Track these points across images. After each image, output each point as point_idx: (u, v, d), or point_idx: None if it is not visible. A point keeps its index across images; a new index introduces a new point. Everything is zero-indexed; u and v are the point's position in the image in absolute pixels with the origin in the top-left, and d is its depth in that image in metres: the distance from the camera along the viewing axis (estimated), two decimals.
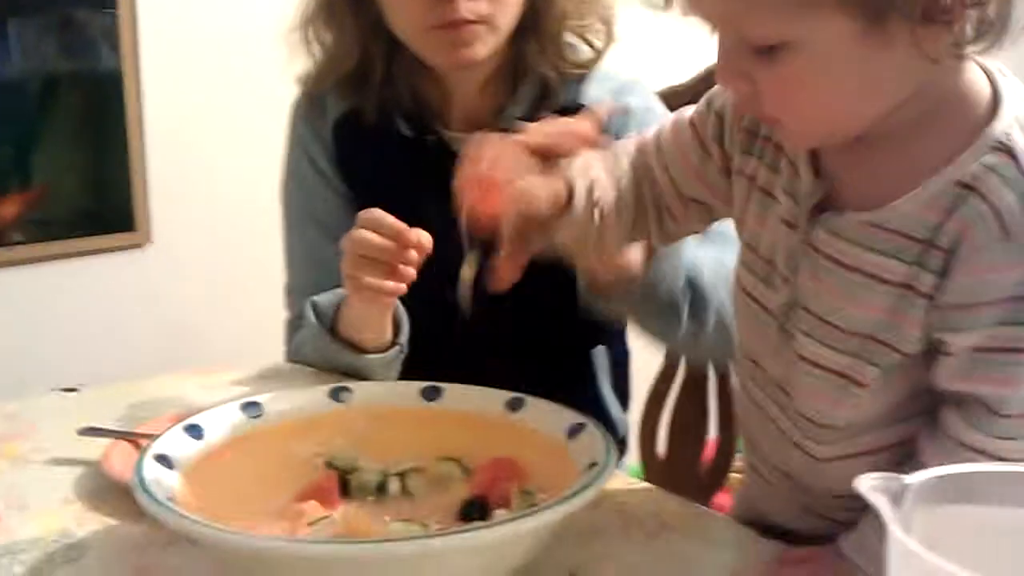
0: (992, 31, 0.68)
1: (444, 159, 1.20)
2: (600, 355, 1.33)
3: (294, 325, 1.27)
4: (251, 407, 0.87)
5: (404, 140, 1.24)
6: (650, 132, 0.94)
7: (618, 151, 0.92)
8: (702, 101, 0.91)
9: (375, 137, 1.24)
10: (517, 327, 1.23)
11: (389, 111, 1.24)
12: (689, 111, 0.92)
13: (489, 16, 1.15)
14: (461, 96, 1.24)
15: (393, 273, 1.05)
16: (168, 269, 1.98)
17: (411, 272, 1.05)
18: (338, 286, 1.16)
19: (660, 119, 1.20)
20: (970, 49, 0.69)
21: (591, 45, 1.24)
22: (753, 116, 0.83)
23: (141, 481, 0.72)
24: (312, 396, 0.90)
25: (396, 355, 1.16)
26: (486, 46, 1.16)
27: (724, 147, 0.88)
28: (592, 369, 1.32)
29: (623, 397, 1.38)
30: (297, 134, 1.29)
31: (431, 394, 0.90)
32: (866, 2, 0.66)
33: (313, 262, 1.26)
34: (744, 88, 0.74)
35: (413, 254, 1.04)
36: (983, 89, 0.73)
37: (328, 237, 1.23)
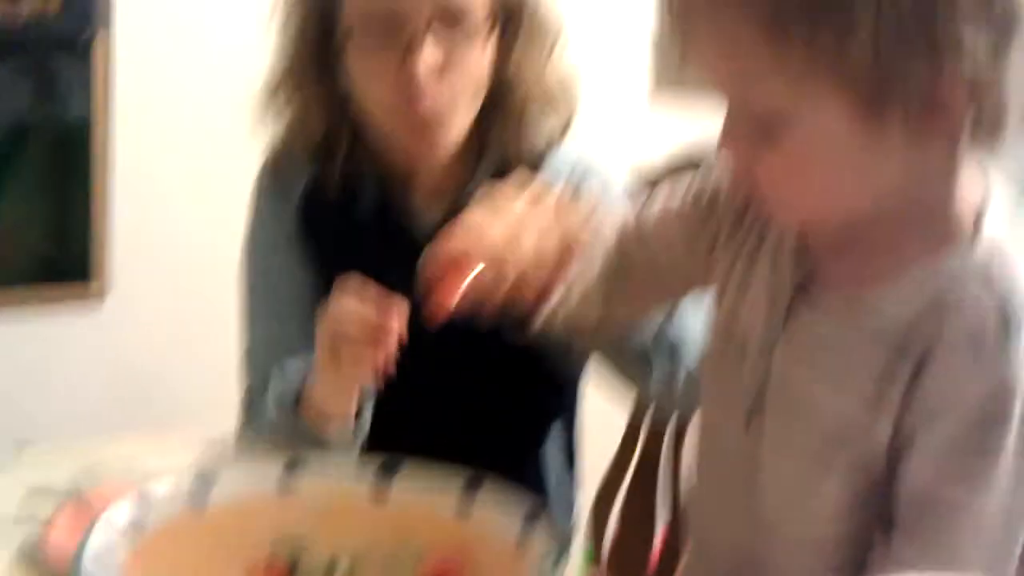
0: (985, 131, 0.71)
1: (409, 230, 1.24)
2: (554, 432, 1.34)
3: (252, 392, 1.27)
4: (200, 485, 0.86)
5: (369, 210, 1.26)
6: (629, 217, 0.96)
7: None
8: (691, 185, 0.94)
9: (340, 207, 1.26)
10: (471, 402, 1.24)
11: (354, 181, 1.26)
12: (675, 200, 0.94)
13: (451, 99, 1.17)
14: (426, 170, 1.26)
15: (375, 345, 1.03)
16: (125, 321, 1.97)
17: (391, 347, 1.03)
18: (300, 354, 1.17)
19: (617, 196, 1.25)
20: (963, 146, 0.72)
21: (553, 127, 1.27)
22: (745, 191, 0.85)
23: (81, 566, 0.71)
24: (264, 474, 0.90)
25: (361, 429, 1.16)
26: (449, 126, 1.19)
27: (711, 226, 0.91)
28: (544, 447, 1.34)
29: (574, 476, 1.39)
30: (262, 201, 1.30)
31: (385, 475, 0.90)
32: (866, 87, 0.69)
33: (276, 329, 1.26)
34: (742, 153, 0.76)
35: (395, 325, 1.02)
36: (971, 194, 0.76)
37: (293, 305, 1.24)
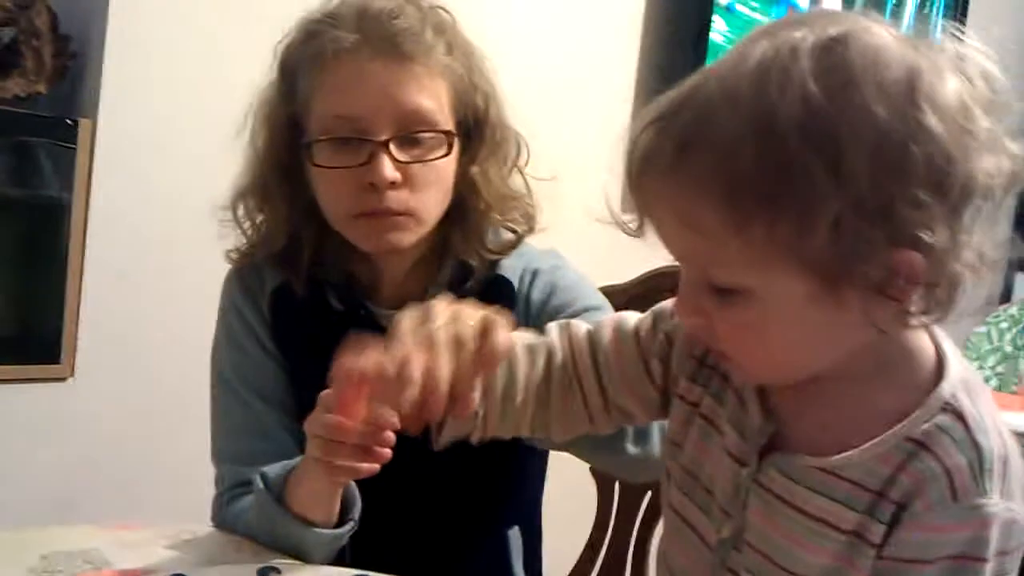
0: (939, 308, 0.73)
1: (374, 333, 1.25)
2: (514, 536, 1.34)
3: (227, 495, 1.26)
4: None
5: (336, 314, 1.27)
6: (580, 331, 0.96)
7: (539, 344, 0.95)
8: (648, 315, 0.94)
9: (308, 309, 1.27)
10: (432, 506, 1.24)
11: (321, 285, 1.28)
12: (631, 320, 0.94)
13: (414, 209, 1.20)
14: (390, 275, 1.28)
15: (367, 454, 1.01)
16: (89, 405, 1.95)
17: (387, 453, 1.01)
18: (277, 455, 1.17)
19: (568, 277, 1.27)
20: (917, 321, 0.73)
21: (514, 231, 1.30)
22: (703, 347, 0.86)
23: None
24: (238, 574, 0.89)
25: (349, 531, 1.14)
26: (411, 236, 1.21)
27: (669, 368, 0.91)
28: (507, 549, 1.34)
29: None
30: (233, 302, 1.31)
31: None
32: (823, 269, 0.70)
33: (252, 430, 1.26)
34: (700, 323, 0.78)
35: (389, 435, 1.00)
36: (928, 347, 0.78)
37: (268, 404, 1.25)
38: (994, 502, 0.73)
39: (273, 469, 1.17)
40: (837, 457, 0.77)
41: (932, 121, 0.69)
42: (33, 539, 1.15)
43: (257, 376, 1.28)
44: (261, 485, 1.15)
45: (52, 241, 1.89)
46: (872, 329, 0.73)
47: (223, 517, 1.26)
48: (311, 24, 1.22)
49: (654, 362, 0.92)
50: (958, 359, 0.78)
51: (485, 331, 0.88)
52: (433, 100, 1.19)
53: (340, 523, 1.13)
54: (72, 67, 1.91)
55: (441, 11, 1.24)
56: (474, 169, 1.24)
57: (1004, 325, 3.33)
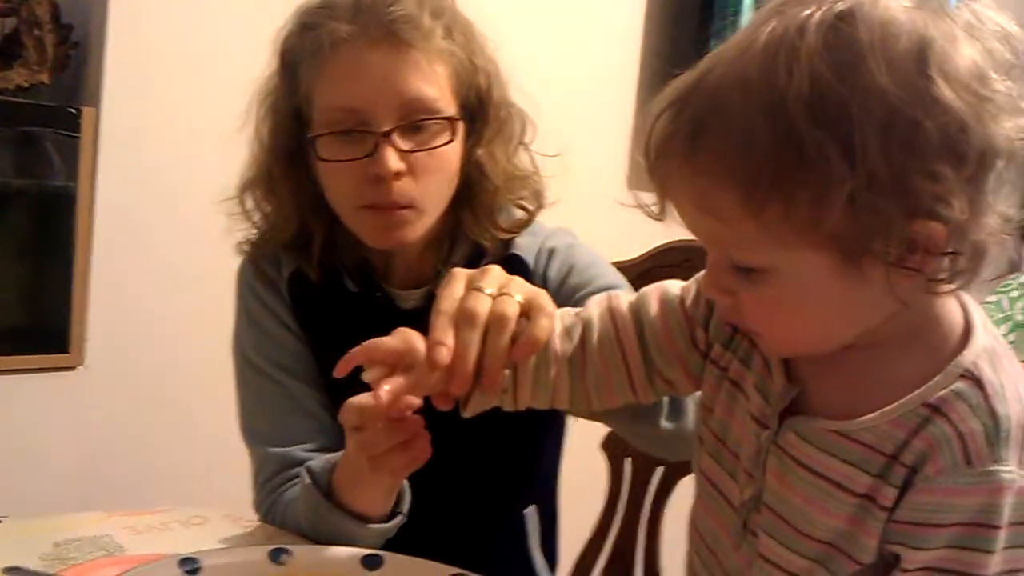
0: (963, 276, 0.73)
1: (392, 313, 1.25)
2: (531, 515, 1.35)
3: (274, 483, 1.23)
4: (188, 564, 0.86)
5: (352, 296, 1.27)
6: (623, 303, 0.95)
7: (575, 320, 0.95)
8: (692, 283, 0.94)
9: (326, 292, 1.27)
10: (449, 487, 1.24)
11: (335, 269, 1.27)
12: (675, 289, 0.94)
13: (419, 201, 1.19)
14: (403, 258, 1.28)
15: (414, 455, 1.02)
16: (98, 393, 1.96)
17: (428, 448, 1.02)
18: (319, 431, 1.19)
19: (585, 256, 1.27)
20: (941, 289, 0.73)
21: (524, 209, 1.29)
22: (731, 323, 0.86)
23: None
24: (249, 557, 0.90)
25: (399, 523, 1.13)
26: (416, 230, 1.21)
27: (708, 333, 0.91)
28: (524, 529, 1.34)
29: (552, 558, 1.39)
30: (251, 288, 1.30)
31: (371, 563, 0.90)
32: (843, 245, 0.70)
33: (290, 408, 1.25)
34: (727, 301, 0.78)
35: (417, 418, 1.00)
36: (956, 316, 0.78)
37: (302, 382, 1.25)
38: (1008, 469, 0.72)
39: (318, 463, 1.15)
40: (854, 421, 0.77)
41: (944, 92, 0.68)
42: (45, 526, 1.15)
43: (285, 355, 1.27)
44: (308, 480, 1.13)
45: (58, 231, 1.89)
46: (895, 303, 0.73)
47: (270, 509, 1.23)
48: (307, 15, 1.20)
49: (699, 330, 0.92)
50: (986, 328, 0.78)
51: (528, 313, 0.89)
52: (434, 86, 1.18)
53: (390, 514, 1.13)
54: (74, 56, 1.91)
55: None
56: (480, 151, 1.24)
57: (1015, 294, 3.32)
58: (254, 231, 1.30)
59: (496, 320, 0.88)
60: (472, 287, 0.90)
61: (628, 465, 1.52)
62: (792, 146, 0.68)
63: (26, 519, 1.20)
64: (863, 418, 0.77)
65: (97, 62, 1.90)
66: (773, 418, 0.82)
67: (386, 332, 1.23)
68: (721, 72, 0.72)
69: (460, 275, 0.92)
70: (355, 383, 1.21)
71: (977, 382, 0.74)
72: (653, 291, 0.95)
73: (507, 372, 0.90)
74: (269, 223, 1.28)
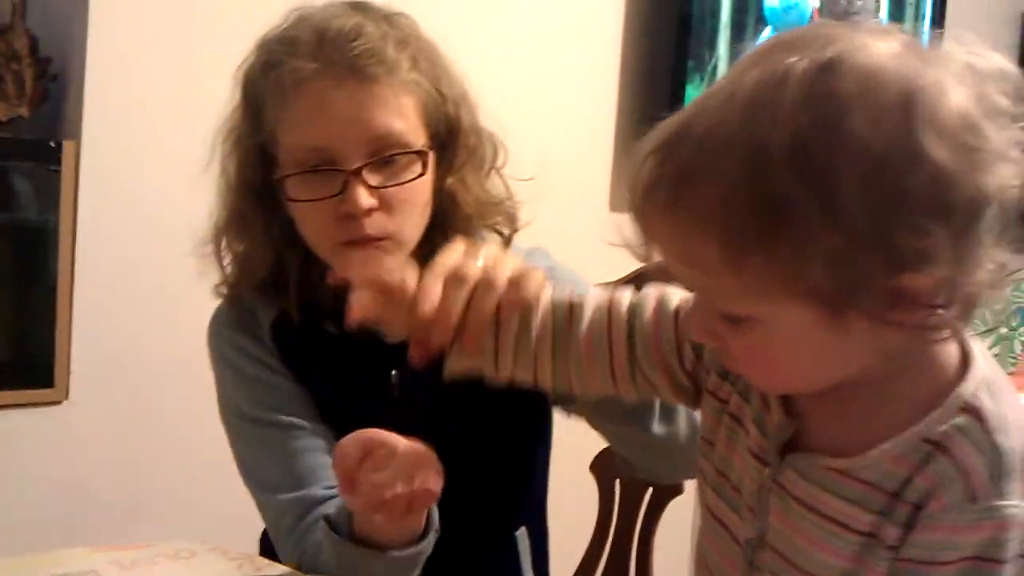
0: (953, 325, 0.72)
1: (377, 350, 1.24)
2: (522, 537, 1.34)
3: (300, 528, 1.19)
4: None
5: (335, 337, 1.25)
6: (623, 297, 0.95)
7: (571, 299, 0.95)
8: (688, 298, 0.93)
9: (308, 336, 1.25)
10: (444, 511, 1.23)
11: (313, 310, 1.25)
12: (675, 299, 0.93)
13: (394, 233, 1.18)
14: None
15: (422, 502, 1.02)
16: (84, 428, 1.94)
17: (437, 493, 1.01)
18: (318, 475, 1.18)
19: (565, 276, 1.25)
20: (929, 339, 0.73)
21: (499, 233, 1.29)
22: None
23: None
24: None
25: (433, 541, 1.12)
26: (397, 261, 1.19)
27: (701, 358, 0.90)
28: (516, 550, 1.33)
29: None
30: (232, 343, 1.27)
31: None
32: (825, 298, 0.69)
33: (303, 449, 1.22)
34: (713, 343, 0.78)
35: (436, 485, 1.00)
36: (952, 348, 0.76)
37: (305, 420, 1.23)
38: (1013, 503, 0.72)
39: (334, 510, 1.14)
40: (855, 459, 0.76)
41: (931, 144, 0.67)
42: (30, 564, 1.14)
43: (282, 399, 1.24)
44: (332, 534, 1.11)
45: (41, 265, 1.88)
46: (883, 350, 0.73)
47: (302, 557, 1.18)
48: (269, 52, 1.19)
49: (687, 346, 0.91)
50: (984, 359, 0.77)
51: (518, 280, 0.91)
52: (402, 119, 1.17)
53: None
54: (53, 89, 1.90)
55: (401, 19, 1.22)
56: (451, 179, 1.23)
57: (997, 307, 3.33)
58: (229, 274, 1.28)
59: (484, 281, 0.90)
60: (466, 257, 0.92)
61: (618, 487, 1.51)
62: (771, 201, 0.67)
63: (11, 556, 1.19)
64: (864, 455, 0.76)
65: (77, 95, 1.89)
66: (773, 454, 0.81)
67: (373, 369, 1.24)
68: (705, 121, 0.71)
69: (456, 246, 0.94)
70: (357, 415, 1.21)
71: (977, 414, 0.74)
72: (652, 295, 0.94)
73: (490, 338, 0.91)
74: (242, 264, 1.26)
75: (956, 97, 0.69)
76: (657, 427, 1.09)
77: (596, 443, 1.48)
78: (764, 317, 0.72)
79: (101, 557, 1.17)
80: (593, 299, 0.95)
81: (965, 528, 0.72)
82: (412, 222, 1.20)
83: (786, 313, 0.71)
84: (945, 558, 0.72)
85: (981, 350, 0.77)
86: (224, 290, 1.28)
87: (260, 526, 1.33)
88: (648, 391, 0.95)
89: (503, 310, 0.91)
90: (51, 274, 1.89)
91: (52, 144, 1.87)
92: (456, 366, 0.93)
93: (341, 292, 1.23)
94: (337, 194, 1.15)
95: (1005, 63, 0.71)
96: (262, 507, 1.25)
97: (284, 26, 1.21)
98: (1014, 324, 3.31)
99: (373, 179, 1.15)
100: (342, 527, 1.11)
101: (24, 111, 1.86)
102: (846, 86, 0.68)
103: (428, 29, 1.24)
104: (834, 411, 0.79)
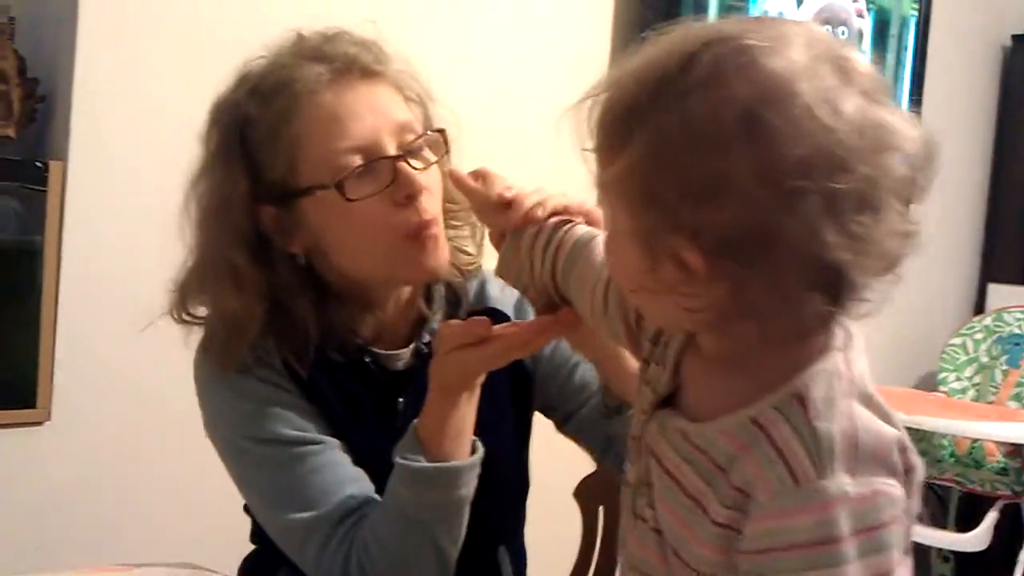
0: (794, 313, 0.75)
1: (386, 377, 1.25)
2: (503, 556, 1.34)
3: (335, 539, 1.16)
4: None
5: (342, 367, 1.24)
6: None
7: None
8: None
9: (317, 368, 1.23)
10: None
11: (321, 346, 1.23)
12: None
13: (437, 216, 1.19)
14: (390, 318, 1.27)
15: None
16: (66, 448, 1.93)
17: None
18: (359, 477, 1.19)
19: None
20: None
21: (466, 253, 1.30)
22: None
23: None
24: None
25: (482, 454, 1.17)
26: (446, 248, 1.21)
27: (643, 330, 0.94)
28: (499, 568, 1.34)
29: None
30: (241, 365, 1.21)
31: None
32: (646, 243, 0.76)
33: (316, 470, 1.18)
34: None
35: None
36: (822, 340, 0.77)
37: (324, 442, 1.20)
38: (835, 482, 0.72)
39: (368, 508, 1.16)
40: (696, 424, 0.79)
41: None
42: None
43: (303, 418, 1.20)
44: (413, 464, 1.13)
45: (24, 285, 1.88)
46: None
47: (347, 558, 1.15)
48: (267, 81, 1.18)
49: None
50: (848, 358, 0.77)
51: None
52: (408, 110, 1.20)
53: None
54: (41, 110, 1.91)
55: (370, 25, 1.23)
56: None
57: (979, 336, 3.36)
58: (213, 338, 1.23)
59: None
60: None
61: (601, 512, 1.51)
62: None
63: None
64: (703, 424, 0.79)
65: (64, 116, 1.90)
66: (649, 407, 0.86)
67: (380, 397, 1.24)
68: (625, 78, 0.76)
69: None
70: (365, 442, 1.21)
71: (802, 400, 0.75)
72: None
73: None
74: (230, 324, 1.19)
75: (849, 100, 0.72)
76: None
77: (580, 469, 1.49)
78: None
79: None
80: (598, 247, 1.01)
81: (794, 512, 0.73)
82: (440, 206, 1.21)
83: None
84: (782, 544, 0.73)
85: (855, 349, 0.78)
86: (212, 356, 1.23)
87: (243, 547, 1.33)
88: (610, 330, 0.99)
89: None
90: (35, 294, 1.88)
91: (39, 164, 1.87)
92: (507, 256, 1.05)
93: (350, 324, 1.24)
94: (390, 184, 1.15)
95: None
96: (284, 529, 1.20)
97: (267, 62, 1.21)
98: (995, 354, 3.33)
99: (414, 163, 1.17)
100: (417, 455, 1.13)
101: (11, 131, 1.86)
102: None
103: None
104: (704, 378, 0.82)
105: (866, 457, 0.73)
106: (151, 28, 1.96)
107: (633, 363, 1.01)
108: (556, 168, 1.61)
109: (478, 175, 1.08)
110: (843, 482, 0.72)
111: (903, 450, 0.76)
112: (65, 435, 1.93)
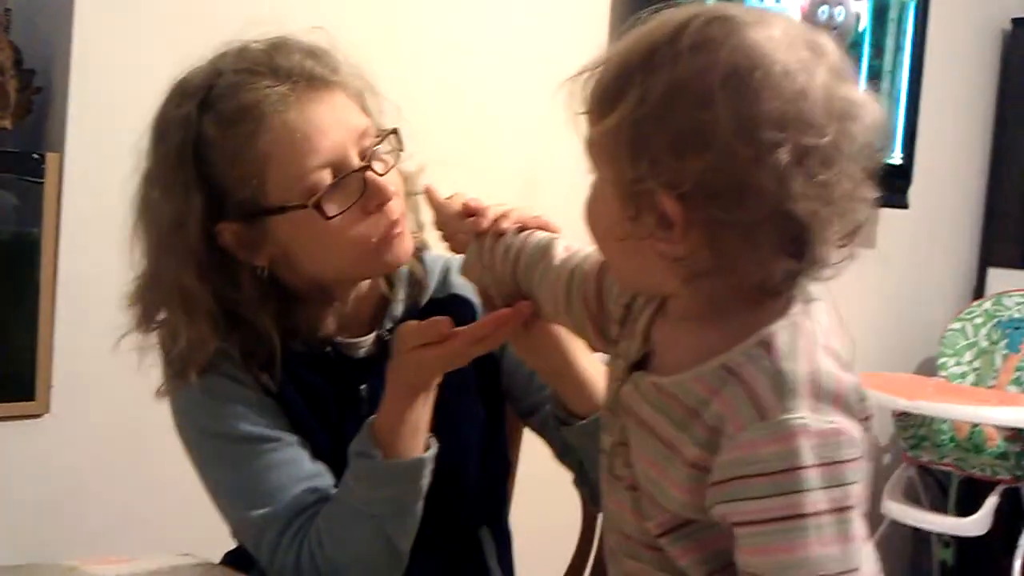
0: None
1: (348, 365, 1.26)
2: (484, 534, 1.35)
3: (290, 533, 1.19)
4: None
5: (303, 357, 1.25)
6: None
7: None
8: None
9: (280, 362, 1.23)
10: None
11: (283, 342, 1.23)
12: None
13: (403, 215, 1.21)
14: (352, 309, 1.28)
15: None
16: (65, 441, 1.93)
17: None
18: (318, 474, 1.20)
19: None
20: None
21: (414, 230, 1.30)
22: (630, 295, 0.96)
23: None
24: None
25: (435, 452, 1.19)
26: (411, 237, 1.23)
27: (603, 304, 1.01)
28: (482, 547, 1.35)
29: (509, 573, 1.39)
30: (204, 379, 1.23)
31: None
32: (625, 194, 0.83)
33: (273, 466, 1.20)
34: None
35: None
36: (785, 301, 0.84)
37: (282, 439, 1.22)
38: (798, 416, 0.78)
39: (325, 504, 1.18)
40: (669, 376, 0.86)
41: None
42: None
43: (261, 414, 1.22)
44: (365, 457, 1.15)
45: (22, 277, 1.88)
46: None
47: (299, 553, 1.18)
48: (226, 102, 1.18)
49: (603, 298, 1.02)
50: (811, 314, 0.84)
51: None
52: (363, 115, 1.21)
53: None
54: (37, 101, 1.90)
55: (319, 32, 1.23)
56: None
57: (978, 320, 3.35)
58: (171, 359, 1.25)
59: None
60: None
61: (600, 519, 1.51)
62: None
63: None
64: (677, 375, 0.85)
65: (61, 107, 1.89)
66: (622, 372, 0.92)
67: (342, 385, 1.24)
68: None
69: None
70: (328, 430, 1.21)
71: (768, 346, 0.81)
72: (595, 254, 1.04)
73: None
74: (187, 346, 1.21)
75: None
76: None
77: None
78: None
79: (85, 571, 1.17)
80: (572, 260, 1.07)
81: (760, 442, 0.79)
82: (403, 202, 1.23)
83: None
84: (748, 472, 0.79)
85: (819, 307, 0.85)
86: (167, 386, 1.26)
87: None
88: (578, 330, 1.07)
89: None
90: (33, 286, 1.88)
91: (35, 156, 1.87)
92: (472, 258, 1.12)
93: (313, 321, 1.24)
94: (362, 194, 1.16)
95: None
96: (241, 524, 1.22)
97: (214, 72, 1.22)
98: (995, 338, 3.33)
99: (376, 167, 1.18)
100: (372, 453, 1.15)
101: (7, 123, 1.86)
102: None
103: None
104: (675, 337, 0.89)
105: (827, 397, 0.80)
106: (148, 19, 1.96)
107: (579, 377, 1.15)
108: (548, 153, 1.61)
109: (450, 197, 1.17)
110: (806, 416, 0.78)
111: (861, 398, 0.82)
112: (64, 427, 1.93)
